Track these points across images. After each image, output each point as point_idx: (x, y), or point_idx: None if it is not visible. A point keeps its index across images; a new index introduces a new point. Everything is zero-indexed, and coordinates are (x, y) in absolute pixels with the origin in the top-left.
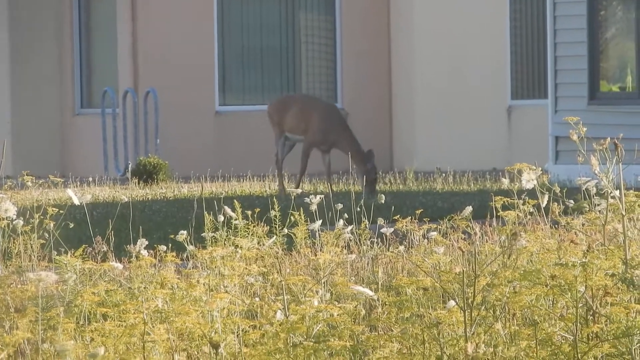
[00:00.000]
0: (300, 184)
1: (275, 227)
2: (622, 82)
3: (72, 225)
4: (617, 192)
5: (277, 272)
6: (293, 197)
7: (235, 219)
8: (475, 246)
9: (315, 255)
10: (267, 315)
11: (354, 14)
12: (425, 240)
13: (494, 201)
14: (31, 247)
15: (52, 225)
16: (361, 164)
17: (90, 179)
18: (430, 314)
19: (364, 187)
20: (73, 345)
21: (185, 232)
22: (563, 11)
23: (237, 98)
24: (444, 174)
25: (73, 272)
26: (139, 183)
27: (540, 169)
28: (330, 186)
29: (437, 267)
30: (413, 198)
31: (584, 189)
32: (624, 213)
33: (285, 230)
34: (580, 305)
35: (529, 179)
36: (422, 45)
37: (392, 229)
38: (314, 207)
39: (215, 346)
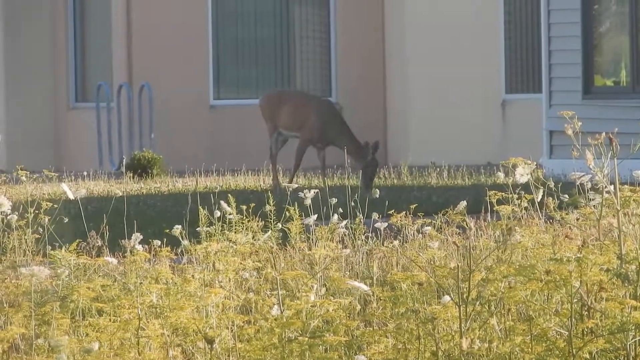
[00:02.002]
0: (295, 179)
1: (270, 221)
2: (616, 76)
3: (66, 219)
4: (611, 187)
5: (272, 267)
6: (288, 192)
7: (230, 214)
8: (470, 241)
9: (310, 250)
10: (262, 311)
11: (349, 8)
12: (420, 234)
13: (489, 196)
14: (26, 241)
15: (46, 219)
16: (361, 159)
17: (85, 173)
18: (425, 309)
19: (362, 181)
20: (67, 340)
21: (179, 226)
22: (557, 5)
23: (232, 92)
24: (438, 169)
25: (67, 267)
26: (133, 177)
27: (534, 163)
28: (325, 180)
29: (432, 262)
30: (407, 193)
31: (578, 183)
32: (619, 208)
33: (280, 225)
34: (575, 300)
35: (522, 173)
36: (416, 39)
37: (387, 224)
38: (308, 202)
39: (209, 341)
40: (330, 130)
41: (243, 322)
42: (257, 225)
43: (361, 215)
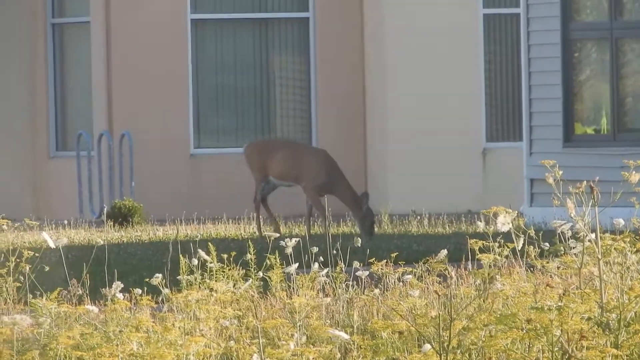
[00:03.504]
0: (329, 226)
1: (251, 270)
2: (597, 124)
3: (47, 268)
4: (593, 235)
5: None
6: (269, 241)
7: (210, 262)
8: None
9: (291, 299)
10: (243, 359)
11: (328, 56)
12: (401, 283)
13: (470, 244)
14: (7, 290)
15: (27, 268)
16: (357, 209)
17: (66, 221)
18: (406, 358)
19: (363, 230)
20: None
21: (160, 275)
22: (537, 53)
23: (212, 140)
24: (419, 217)
25: (48, 316)
26: (114, 226)
27: (515, 211)
28: (309, 229)
29: (413, 311)
30: (388, 241)
31: (559, 232)
32: (600, 256)
33: (261, 274)
34: (556, 349)
35: (504, 222)
36: (395, 87)
37: (368, 272)
38: (289, 250)
39: None
40: (332, 180)
41: None
42: (238, 274)
43: (342, 263)
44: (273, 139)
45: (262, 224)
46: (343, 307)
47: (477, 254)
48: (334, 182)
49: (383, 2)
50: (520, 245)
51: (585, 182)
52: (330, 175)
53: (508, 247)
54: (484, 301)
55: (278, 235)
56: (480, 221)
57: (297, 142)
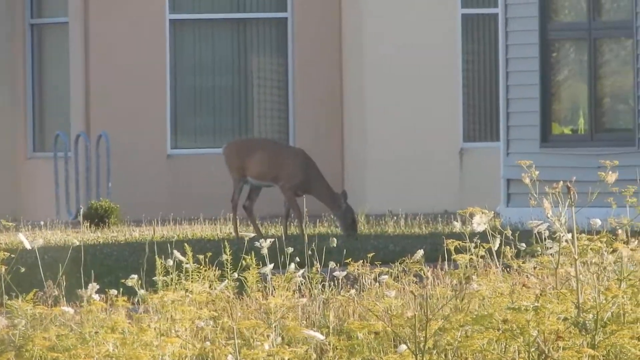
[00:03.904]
0: (305, 227)
1: (227, 271)
2: (574, 124)
3: (23, 269)
4: (569, 236)
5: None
6: (246, 241)
7: (186, 263)
8: (427, 290)
9: (267, 299)
10: None
11: (306, 56)
12: (377, 283)
13: (446, 244)
14: None
15: (3, 269)
16: (337, 208)
17: (42, 222)
18: (382, 359)
19: (344, 228)
20: None
21: (136, 276)
22: (515, 54)
23: (189, 141)
24: (395, 217)
25: (24, 317)
26: (90, 227)
27: (492, 212)
28: (286, 230)
29: (389, 311)
30: (364, 241)
31: (536, 232)
32: (576, 256)
33: (237, 274)
34: (532, 349)
35: (480, 222)
36: (373, 87)
37: (344, 273)
38: (265, 251)
39: None
40: (310, 179)
41: None
42: (214, 275)
43: (318, 264)
44: (252, 139)
45: (238, 224)
46: (319, 307)
47: (453, 255)
48: (312, 181)
49: (361, 2)
50: (497, 245)
51: (562, 182)
52: (307, 174)
53: (484, 248)
54: (460, 301)
55: (254, 235)
56: (457, 221)
57: (275, 142)
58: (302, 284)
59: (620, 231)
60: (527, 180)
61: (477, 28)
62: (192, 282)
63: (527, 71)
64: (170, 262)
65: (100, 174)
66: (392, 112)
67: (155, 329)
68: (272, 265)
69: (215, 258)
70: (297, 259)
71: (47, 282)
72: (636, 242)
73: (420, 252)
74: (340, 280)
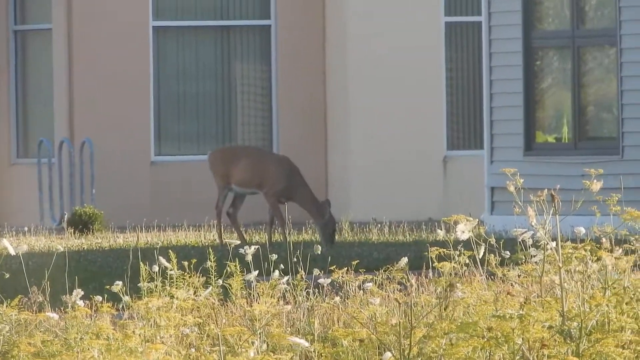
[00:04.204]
0: (289, 234)
1: (211, 277)
2: (558, 132)
3: (7, 275)
4: (553, 244)
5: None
6: (230, 248)
7: (171, 270)
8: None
9: (251, 306)
10: None
11: (290, 64)
12: (361, 291)
13: (430, 252)
14: None
15: None
16: (319, 217)
17: (26, 228)
18: None
19: (323, 238)
20: None
21: (120, 282)
22: (499, 61)
23: (173, 148)
24: (379, 225)
25: (9, 323)
26: (74, 233)
27: (476, 220)
28: (270, 237)
29: (373, 319)
30: (349, 249)
31: (520, 240)
32: (560, 265)
33: (221, 281)
34: (517, 357)
35: (464, 230)
36: (357, 95)
37: (329, 280)
38: (249, 258)
39: None
40: (292, 187)
41: None
42: (199, 281)
43: (303, 271)
44: (236, 147)
45: (222, 231)
46: (304, 314)
47: (436, 263)
48: (295, 188)
49: (345, 10)
50: (481, 253)
51: (546, 190)
52: (290, 180)
53: (465, 255)
54: (444, 309)
55: (238, 242)
56: (441, 229)
57: (259, 149)
58: (286, 291)
59: (604, 239)
60: (511, 188)
61: (461, 36)
62: (176, 288)
63: (511, 79)
64: (155, 268)
65: (84, 180)
66: (375, 120)
67: (140, 335)
68: (257, 272)
69: (200, 265)
70: (282, 266)
71: (32, 288)
72: (620, 250)
73: (405, 259)
74: (324, 288)
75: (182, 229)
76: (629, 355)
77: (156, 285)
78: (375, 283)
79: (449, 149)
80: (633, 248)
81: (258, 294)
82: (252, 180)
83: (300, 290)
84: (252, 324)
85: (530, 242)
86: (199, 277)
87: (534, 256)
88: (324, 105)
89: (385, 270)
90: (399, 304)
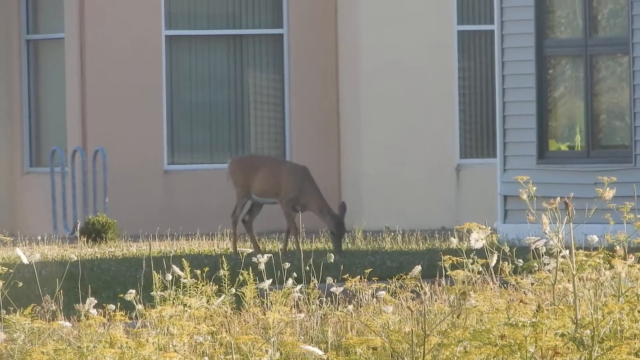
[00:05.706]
0: (300, 245)
1: (224, 286)
2: (571, 140)
3: (21, 284)
4: (567, 252)
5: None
6: (242, 256)
7: (184, 278)
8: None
9: (265, 314)
10: None
11: (302, 73)
12: (375, 299)
13: (443, 260)
14: None
15: (1, 284)
16: (332, 225)
17: (39, 237)
18: None
19: (335, 247)
20: None
21: (134, 291)
22: (511, 70)
23: (186, 157)
24: (392, 233)
25: (22, 331)
26: (87, 242)
27: (489, 228)
28: (286, 245)
29: (387, 327)
30: (362, 257)
31: (533, 248)
32: (574, 272)
33: (234, 290)
34: None
35: (477, 239)
36: (369, 104)
37: (342, 288)
38: (262, 267)
39: None
40: (306, 195)
41: None
42: (212, 290)
43: (316, 279)
44: (254, 156)
45: (237, 240)
46: (317, 323)
47: (449, 271)
48: (308, 196)
49: (357, 18)
50: (494, 261)
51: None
52: (303, 189)
53: (478, 263)
54: (457, 317)
55: (251, 251)
56: (454, 237)
57: (276, 158)
58: (299, 300)
59: (618, 247)
60: (524, 197)
61: (473, 44)
62: (189, 297)
63: (524, 88)
64: (168, 277)
65: (97, 189)
66: (388, 128)
67: (153, 343)
68: (270, 280)
69: (213, 273)
70: (295, 275)
71: (45, 296)
72: (633, 258)
73: (418, 268)
74: (337, 296)
75: (195, 238)
76: None
77: (169, 294)
78: (389, 291)
79: (462, 157)
80: None
81: (271, 302)
82: (270, 190)
83: (314, 298)
84: (265, 333)
85: (543, 250)
86: (212, 285)
87: (547, 264)
88: (337, 113)
89: (398, 279)
90: (412, 312)
